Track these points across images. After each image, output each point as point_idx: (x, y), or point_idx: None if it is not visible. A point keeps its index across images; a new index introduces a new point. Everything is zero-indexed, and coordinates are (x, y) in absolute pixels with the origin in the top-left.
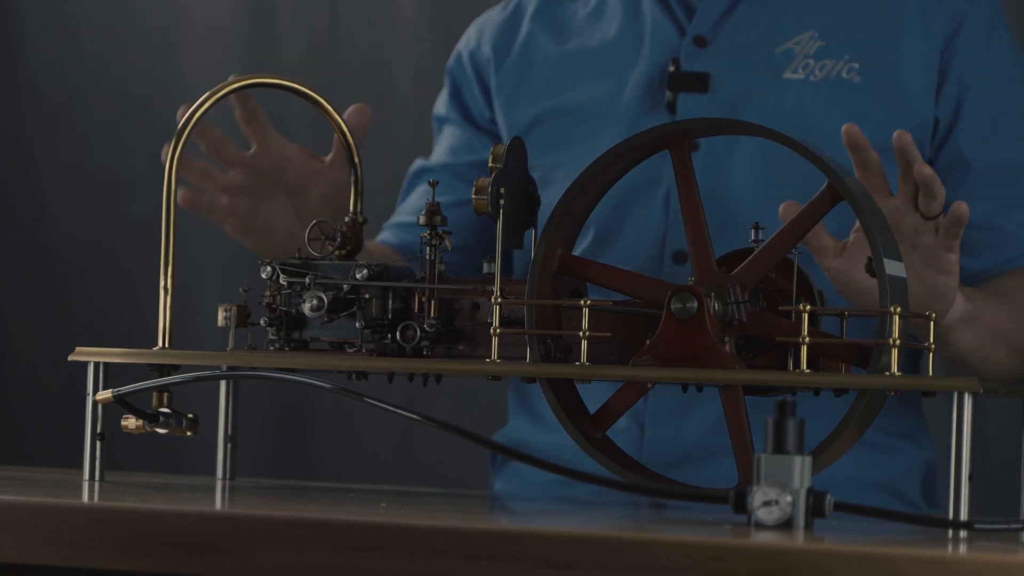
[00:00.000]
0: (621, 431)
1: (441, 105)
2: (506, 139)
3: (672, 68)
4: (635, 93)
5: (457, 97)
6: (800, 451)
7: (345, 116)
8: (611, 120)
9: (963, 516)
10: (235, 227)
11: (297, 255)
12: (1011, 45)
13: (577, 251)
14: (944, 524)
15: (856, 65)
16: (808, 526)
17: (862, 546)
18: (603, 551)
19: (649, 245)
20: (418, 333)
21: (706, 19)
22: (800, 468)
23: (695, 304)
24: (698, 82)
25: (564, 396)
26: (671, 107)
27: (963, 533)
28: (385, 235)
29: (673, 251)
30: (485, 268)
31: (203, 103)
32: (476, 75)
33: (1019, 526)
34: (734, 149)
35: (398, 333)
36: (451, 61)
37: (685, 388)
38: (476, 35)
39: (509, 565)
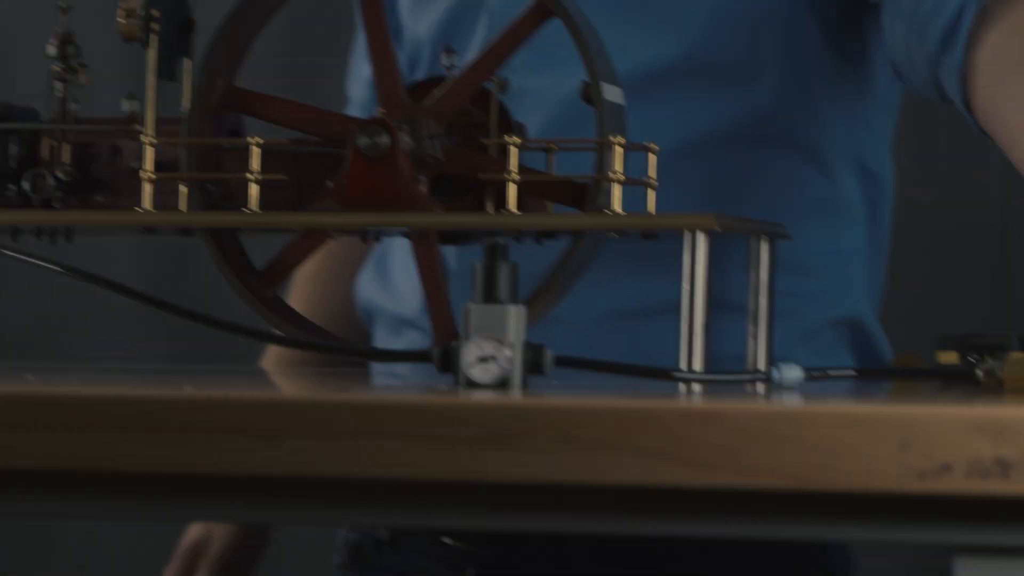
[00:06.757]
0: None
1: None
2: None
3: None
4: None
5: None
6: (514, 300)
7: None
8: None
9: (697, 368)
10: None
11: None
12: None
13: None
14: (671, 377)
15: None
16: (525, 385)
17: (606, 400)
18: (318, 418)
19: None
20: (52, 181)
21: None
22: (515, 319)
23: (386, 139)
24: None
25: (228, 249)
26: None
27: (694, 386)
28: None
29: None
30: (126, 106)
31: None
32: None
33: (748, 377)
34: None
35: (29, 183)
36: None
37: (376, 237)
38: None
39: (200, 437)
